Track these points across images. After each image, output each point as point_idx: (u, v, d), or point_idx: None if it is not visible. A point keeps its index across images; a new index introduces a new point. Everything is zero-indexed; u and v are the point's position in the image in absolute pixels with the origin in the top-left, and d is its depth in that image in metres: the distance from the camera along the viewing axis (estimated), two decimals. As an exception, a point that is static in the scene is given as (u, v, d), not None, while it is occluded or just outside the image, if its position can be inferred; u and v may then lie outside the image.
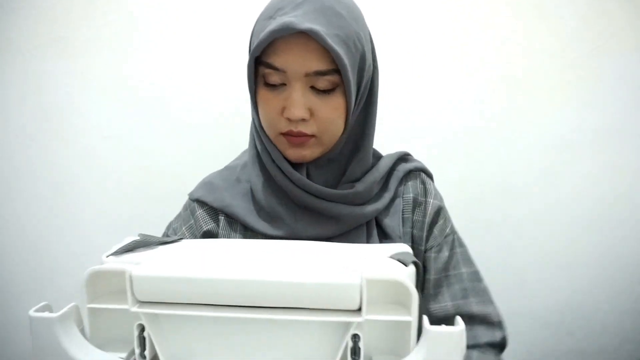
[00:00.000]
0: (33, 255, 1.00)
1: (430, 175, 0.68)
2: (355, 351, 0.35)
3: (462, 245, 0.66)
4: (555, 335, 1.06)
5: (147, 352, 0.36)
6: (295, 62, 0.52)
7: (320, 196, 0.58)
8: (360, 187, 0.59)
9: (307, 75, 0.52)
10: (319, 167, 0.60)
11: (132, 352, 0.36)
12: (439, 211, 0.64)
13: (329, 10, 0.52)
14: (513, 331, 1.08)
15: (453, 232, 0.66)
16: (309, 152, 0.57)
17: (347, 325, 0.35)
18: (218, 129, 1.02)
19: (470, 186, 1.05)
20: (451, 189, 0.95)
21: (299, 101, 0.53)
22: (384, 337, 0.36)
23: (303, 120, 0.54)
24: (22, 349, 1.00)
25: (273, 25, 0.51)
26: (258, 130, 0.61)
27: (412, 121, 1.05)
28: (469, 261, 0.64)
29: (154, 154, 1.01)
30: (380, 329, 0.35)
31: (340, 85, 0.54)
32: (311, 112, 0.54)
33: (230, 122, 1.03)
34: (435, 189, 0.67)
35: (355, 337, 0.35)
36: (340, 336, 0.35)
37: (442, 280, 0.62)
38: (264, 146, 0.60)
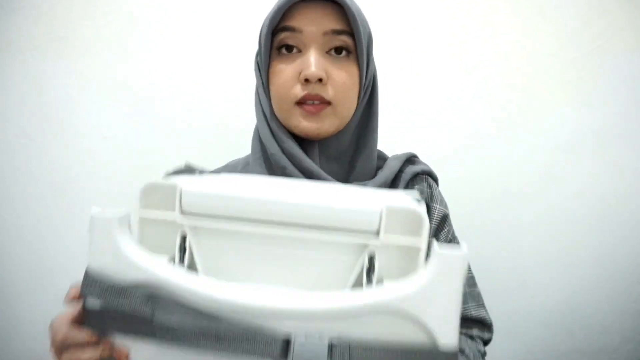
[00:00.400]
0: (33, 255, 1.00)
1: (436, 179, 0.69)
2: (370, 272, 0.40)
3: None
4: (555, 335, 1.06)
5: (185, 260, 0.41)
6: (313, 22, 0.54)
7: None
8: (371, 185, 0.60)
9: (324, 34, 0.55)
10: (330, 160, 0.61)
11: (172, 259, 0.41)
12: (445, 218, 0.64)
13: None
14: (513, 331, 1.08)
15: (454, 238, 0.66)
16: (325, 123, 0.57)
17: (365, 247, 0.40)
18: (218, 129, 1.02)
19: (470, 186, 1.05)
20: (451, 189, 0.95)
21: (317, 60, 0.54)
22: (396, 263, 0.40)
23: (320, 81, 0.54)
24: (22, 349, 1.00)
25: None
26: (268, 118, 0.60)
27: (411, 121, 1.05)
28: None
29: (154, 154, 1.01)
30: (394, 254, 0.40)
31: (352, 53, 0.57)
32: (327, 75, 0.55)
33: (231, 122, 1.03)
34: (441, 195, 0.67)
35: (372, 259, 0.40)
36: (358, 257, 0.40)
37: None
38: (275, 140, 0.59)
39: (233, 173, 0.66)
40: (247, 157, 0.70)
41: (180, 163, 0.51)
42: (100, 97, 1.01)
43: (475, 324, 0.62)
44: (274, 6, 0.56)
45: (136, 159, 1.01)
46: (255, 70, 0.64)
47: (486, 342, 0.63)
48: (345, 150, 0.62)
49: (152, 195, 0.42)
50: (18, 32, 0.98)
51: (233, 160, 0.73)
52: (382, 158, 0.68)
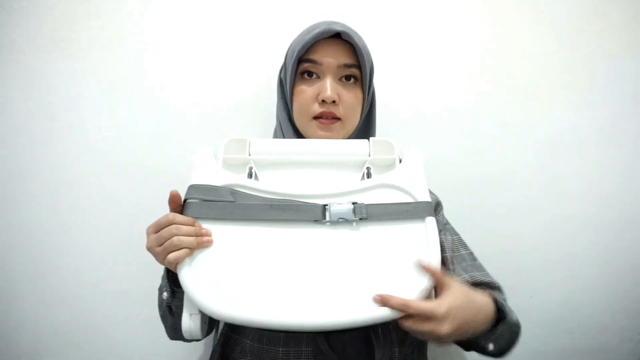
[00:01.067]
0: (33, 255, 1.00)
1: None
2: (368, 175, 0.67)
3: (456, 233, 0.79)
4: (555, 335, 1.06)
5: (252, 179, 0.67)
6: (331, 56, 0.73)
7: None
8: None
9: (338, 66, 0.73)
10: None
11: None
12: (438, 205, 0.80)
13: (352, 29, 0.75)
14: (513, 331, 1.08)
15: (448, 222, 0.80)
16: (335, 134, 0.74)
17: (364, 162, 0.69)
18: (219, 129, 1.02)
19: (468, 186, 1.05)
20: (449, 188, 0.96)
21: (332, 86, 0.73)
22: (382, 170, 0.68)
23: (334, 102, 0.72)
24: (22, 349, 1.00)
25: (316, 30, 0.72)
26: (285, 126, 0.79)
27: (410, 121, 1.05)
28: (465, 245, 0.77)
29: (154, 154, 1.01)
30: (380, 165, 0.68)
31: (358, 81, 0.76)
32: (339, 98, 0.73)
33: (231, 122, 1.03)
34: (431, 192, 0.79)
35: (368, 168, 0.68)
36: (360, 168, 0.69)
37: (452, 259, 0.74)
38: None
39: None
40: None
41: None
42: (100, 97, 1.01)
43: (485, 288, 0.69)
44: (299, 39, 0.75)
45: (136, 158, 1.01)
46: (277, 85, 0.83)
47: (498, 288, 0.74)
48: None
49: (231, 146, 0.68)
50: (19, 32, 0.98)
51: None
52: None
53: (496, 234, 1.05)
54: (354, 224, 0.60)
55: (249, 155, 0.67)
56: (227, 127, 1.02)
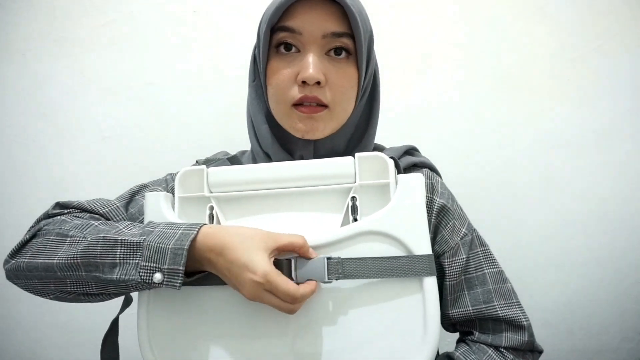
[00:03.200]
0: (33, 255, 1.00)
1: (437, 172, 0.66)
2: (354, 210, 0.51)
3: (483, 244, 0.61)
4: (555, 335, 1.06)
5: (214, 222, 0.53)
6: (313, 23, 0.53)
7: None
8: None
9: (324, 36, 0.54)
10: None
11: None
12: (444, 211, 0.59)
13: None
14: (513, 331, 1.08)
15: (471, 231, 0.61)
16: (321, 125, 0.56)
17: (348, 190, 0.51)
18: (218, 128, 1.02)
19: (469, 186, 1.05)
20: (450, 189, 0.95)
21: (315, 63, 0.53)
22: (373, 199, 0.51)
23: (318, 84, 0.54)
24: (22, 349, 1.00)
25: None
26: (257, 120, 0.62)
27: (411, 120, 1.05)
28: (492, 261, 0.60)
29: (154, 154, 1.01)
30: (370, 192, 0.51)
31: (352, 55, 0.56)
32: (325, 78, 0.54)
33: (230, 121, 1.03)
34: (443, 187, 0.63)
35: (354, 199, 0.51)
36: (344, 199, 0.51)
37: (461, 284, 0.58)
38: (266, 141, 0.61)
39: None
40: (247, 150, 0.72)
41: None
42: (100, 97, 1.01)
43: (505, 327, 0.57)
44: (272, 3, 0.55)
45: (136, 158, 1.01)
46: (250, 64, 0.63)
47: (527, 349, 0.57)
48: (341, 148, 0.61)
49: (186, 179, 0.54)
50: (18, 32, 0.98)
51: (221, 153, 0.73)
52: (379, 150, 0.66)
53: (496, 234, 1.05)
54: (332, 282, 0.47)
55: (209, 191, 0.53)
56: (227, 126, 1.02)
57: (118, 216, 0.58)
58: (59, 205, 0.57)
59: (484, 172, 1.05)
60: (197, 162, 0.67)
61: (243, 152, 0.72)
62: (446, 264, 0.58)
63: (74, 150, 1.01)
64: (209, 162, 0.68)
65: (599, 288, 1.06)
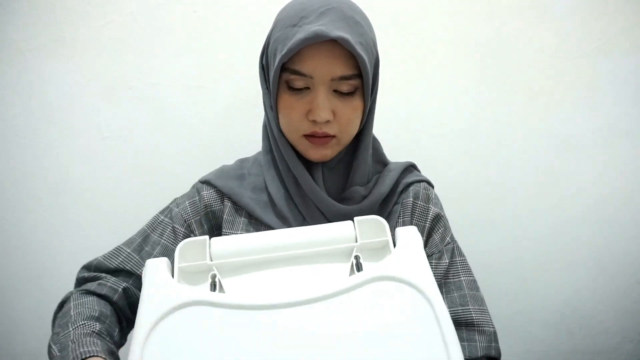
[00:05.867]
0: (32, 255, 1.00)
1: (429, 183, 0.71)
2: (359, 267, 0.52)
3: (461, 254, 0.67)
4: (555, 335, 1.06)
5: (217, 289, 0.52)
6: (323, 68, 0.56)
7: (328, 206, 0.62)
8: (366, 203, 0.63)
9: (332, 80, 0.56)
10: (332, 170, 0.65)
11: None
12: (438, 218, 0.67)
13: (351, 20, 0.56)
14: (513, 331, 1.08)
15: (453, 241, 0.68)
16: (329, 152, 0.61)
17: (350, 250, 0.54)
18: (218, 129, 1.02)
19: (470, 186, 1.05)
20: (451, 189, 0.96)
21: (325, 104, 0.57)
22: (374, 255, 0.54)
23: (327, 122, 0.58)
24: (22, 349, 1.00)
25: (303, 33, 0.54)
26: (275, 134, 0.64)
27: (411, 121, 1.05)
28: (468, 270, 0.65)
29: (154, 155, 1.01)
30: (371, 250, 0.54)
31: (359, 88, 0.59)
32: (334, 114, 0.58)
33: (231, 122, 1.03)
34: (437, 198, 0.70)
35: (357, 258, 0.53)
36: (347, 259, 0.54)
37: (441, 286, 0.62)
38: (281, 153, 0.64)
39: (230, 177, 0.69)
40: (254, 156, 0.73)
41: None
42: (101, 97, 1.01)
43: (478, 331, 0.60)
44: (281, 41, 0.57)
45: (136, 158, 1.01)
46: (260, 71, 0.65)
47: (496, 358, 0.60)
48: (344, 158, 0.66)
49: (187, 250, 0.54)
50: (18, 32, 0.98)
51: (249, 156, 0.73)
52: (382, 162, 0.70)
53: (496, 234, 1.05)
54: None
55: (210, 259, 0.53)
56: (229, 127, 1.02)
57: (131, 263, 0.64)
58: (84, 268, 0.66)
59: (483, 172, 1.05)
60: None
61: (243, 160, 0.74)
62: (433, 265, 0.63)
63: (74, 151, 1.01)
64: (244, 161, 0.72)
65: (599, 288, 1.06)
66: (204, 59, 1.02)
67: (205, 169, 0.73)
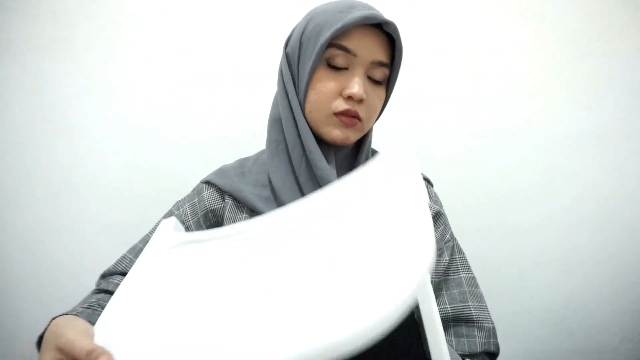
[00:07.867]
0: (32, 255, 1.00)
1: (429, 181, 0.71)
2: None
3: (461, 252, 0.67)
4: (555, 335, 1.06)
5: None
6: (367, 49, 0.59)
7: None
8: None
9: (372, 62, 0.60)
10: (343, 159, 0.66)
11: None
12: (438, 216, 0.66)
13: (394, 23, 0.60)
14: (513, 331, 1.08)
15: (453, 238, 0.67)
16: (353, 135, 0.62)
17: None
18: (218, 130, 1.02)
19: (471, 187, 1.05)
20: (452, 190, 0.96)
21: (362, 82, 0.59)
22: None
23: (360, 101, 0.60)
24: (24, 349, 1.00)
25: (358, 14, 0.57)
26: (296, 117, 0.63)
27: (414, 124, 1.05)
28: (467, 267, 0.66)
29: (154, 155, 1.01)
30: None
31: (385, 80, 0.63)
32: (366, 97, 0.60)
33: (231, 122, 1.03)
34: (436, 196, 0.70)
35: None
36: None
37: (441, 283, 0.62)
38: (296, 138, 0.62)
39: (230, 175, 0.68)
40: (256, 155, 0.72)
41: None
42: (100, 97, 1.01)
43: (478, 327, 0.59)
44: (331, 17, 0.58)
45: (136, 159, 1.01)
46: (283, 66, 0.64)
47: (495, 354, 0.60)
48: (353, 150, 0.67)
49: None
50: (18, 32, 0.98)
51: (227, 165, 0.72)
52: (372, 153, 0.71)
53: (496, 234, 1.05)
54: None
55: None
56: (228, 128, 1.02)
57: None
58: (100, 277, 0.67)
59: (484, 174, 1.05)
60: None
61: (244, 159, 0.74)
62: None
63: (74, 150, 1.01)
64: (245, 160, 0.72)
65: (599, 288, 1.06)
66: (205, 59, 1.02)
67: (205, 169, 0.73)
